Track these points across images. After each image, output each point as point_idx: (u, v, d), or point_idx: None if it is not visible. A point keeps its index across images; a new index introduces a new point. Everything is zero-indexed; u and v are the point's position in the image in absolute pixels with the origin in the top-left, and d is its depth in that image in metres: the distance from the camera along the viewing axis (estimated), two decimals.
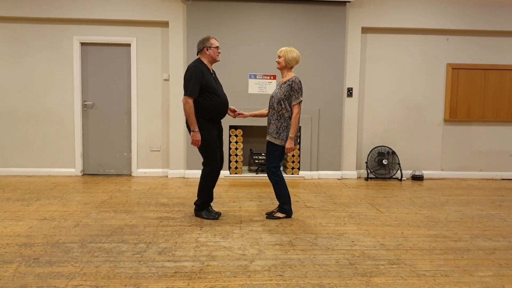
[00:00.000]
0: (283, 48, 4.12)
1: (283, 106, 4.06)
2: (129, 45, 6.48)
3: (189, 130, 4.08)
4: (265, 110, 4.39)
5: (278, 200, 4.27)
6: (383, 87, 6.80)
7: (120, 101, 6.57)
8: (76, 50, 6.41)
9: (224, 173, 6.42)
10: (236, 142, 6.43)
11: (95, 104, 6.56)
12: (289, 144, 4.05)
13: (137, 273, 2.88)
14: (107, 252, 3.25)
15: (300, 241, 3.59)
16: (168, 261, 3.11)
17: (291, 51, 4.08)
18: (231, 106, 4.41)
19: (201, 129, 4.05)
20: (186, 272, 2.91)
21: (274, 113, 4.11)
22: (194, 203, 4.35)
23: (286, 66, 4.10)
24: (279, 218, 4.25)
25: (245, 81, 6.41)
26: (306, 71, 6.47)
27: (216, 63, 4.27)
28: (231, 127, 6.48)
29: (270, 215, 4.29)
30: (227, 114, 4.32)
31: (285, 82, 4.08)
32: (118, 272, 2.89)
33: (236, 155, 6.44)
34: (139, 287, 2.67)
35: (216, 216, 4.23)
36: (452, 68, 6.76)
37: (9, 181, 5.98)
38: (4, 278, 2.77)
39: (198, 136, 4.02)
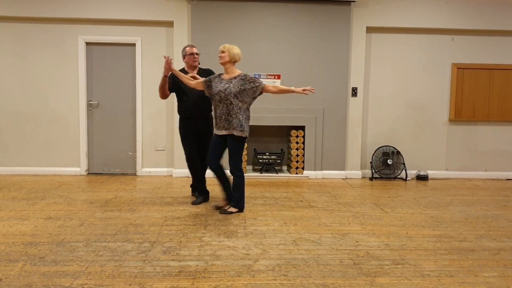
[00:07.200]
0: (226, 44, 4.31)
1: (239, 99, 4.22)
2: (134, 44, 6.50)
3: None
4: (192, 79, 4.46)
5: (233, 194, 4.44)
6: (388, 87, 6.78)
7: (125, 101, 6.59)
8: (81, 49, 6.44)
9: (228, 172, 6.41)
10: None
11: (100, 104, 6.58)
12: (301, 89, 4.33)
13: (142, 272, 2.89)
14: (112, 251, 3.27)
15: (304, 241, 3.59)
16: (173, 260, 3.12)
17: (234, 47, 4.29)
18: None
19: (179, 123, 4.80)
20: (191, 272, 2.91)
21: (232, 107, 4.22)
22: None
23: (231, 60, 4.27)
24: (232, 213, 4.40)
25: None
26: (310, 71, 6.47)
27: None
28: None
29: (223, 211, 4.41)
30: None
31: (235, 77, 4.27)
32: (123, 271, 2.90)
33: None
34: (143, 286, 2.68)
35: (195, 202, 4.81)
36: (457, 68, 6.74)
37: (14, 180, 6.01)
38: (10, 277, 2.79)
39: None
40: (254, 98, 4.32)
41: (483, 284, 2.81)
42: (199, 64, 4.74)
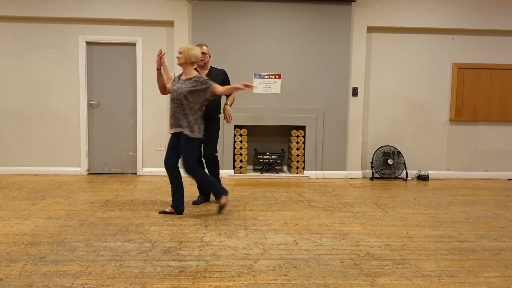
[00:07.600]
0: (183, 46, 4.31)
1: (190, 100, 4.21)
2: (134, 44, 6.50)
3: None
4: (166, 77, 4.48)
5: (207, 188, 4.56)
6: (389, 87, 6.78)
7: (126, 101, 6.59)
8: (82, 49, 6.44)
9: (228, 172, 6.43)
10: (241, 142, 6.43)
11: (100, 104, 6.58)
12: (242, 84, 4.15)
13: (142, 272, 2.89)
14: (113, 251, 3.27)
15: (304, 241, 3.59)
16: (173, 260, 3.12)
17: (191, 49, 4.26)
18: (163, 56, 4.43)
19: None
20: (191, 272, 2.91)
21: (182, 107, 4.23)
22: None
23: (186, 62, 4.26)
24: (225, 204, 4.44)
25: (250, 80, 6.41)
26: (311, 70, 6.47)
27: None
28: (235, 126, 6.48)
29: (222, 210, 4.44)
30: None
31: (190, 79, 4.25)
32: (123, 271, 2.90)
33: (241, 154, 6.45)
34: (144, 286, 2.68)
35: (196, 201, 4.81)
36: (458, 68, 6.74)
37: (15, 180, 6.02)
38: (11, 276, 2.79)
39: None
40: (206, 99, 4.29)
41: (484, 284, 2.81)
42: (205, 64, 4.67)
